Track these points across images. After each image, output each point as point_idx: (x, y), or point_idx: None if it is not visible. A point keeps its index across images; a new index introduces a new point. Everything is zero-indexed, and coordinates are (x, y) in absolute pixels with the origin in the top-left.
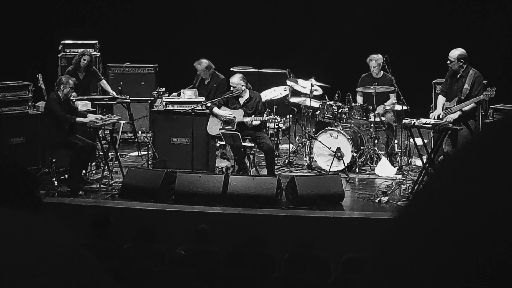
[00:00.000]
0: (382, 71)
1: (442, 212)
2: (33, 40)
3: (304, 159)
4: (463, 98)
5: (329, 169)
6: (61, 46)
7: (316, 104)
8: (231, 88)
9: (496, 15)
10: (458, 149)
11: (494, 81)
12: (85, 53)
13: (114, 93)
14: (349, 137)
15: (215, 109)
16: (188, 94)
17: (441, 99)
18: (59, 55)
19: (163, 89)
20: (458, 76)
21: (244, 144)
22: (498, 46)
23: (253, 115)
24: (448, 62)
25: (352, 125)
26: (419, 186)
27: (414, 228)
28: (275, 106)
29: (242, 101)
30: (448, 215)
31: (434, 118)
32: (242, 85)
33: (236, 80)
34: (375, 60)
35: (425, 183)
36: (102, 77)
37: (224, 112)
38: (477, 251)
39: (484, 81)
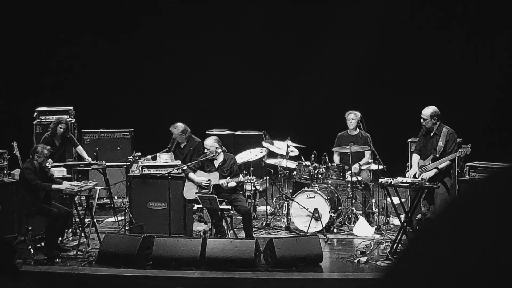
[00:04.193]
0: (358, 129)
1: (426, 272)
2: (8, 107)
3: (282, 220)
4: (437, 155)
5: (307, 230)
6: (36, 113)
7: (292, 165)
8: (205, 151)
9: (472, 73)
10: (439, 211)
11: (469, 139)
12: (61, 121)
13: (90, 159)
14: (326, 198)
15: (191, 174)
16: (164, 158)
17: (415, 157)
18: (34, 122)
19: (139, 153)
20: (431, 134)
21: (221, 206)
22: (473, 104)
23: (228, 177)
24: (422, 120)
25: (329, 185)
26: (400, 246)
27: (404, 282)
28: (251, 168)
29: (216, 163)
30: (431, 275)
31: (410, 177)
32: (217, 148)
33: (210, 142)
34: (354, 114)
35: (409, 243)
36: (78, 144)
37: (200, 178)
38: None
39: (459, 139)
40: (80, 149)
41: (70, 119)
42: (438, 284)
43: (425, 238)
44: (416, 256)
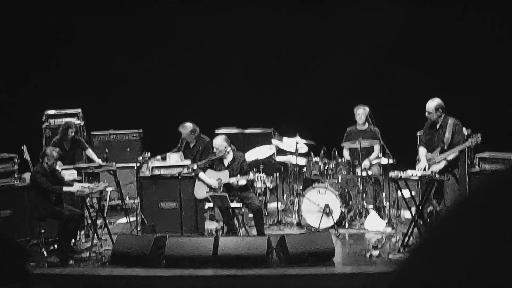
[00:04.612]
0: (367, 123)
1: (442, 267)
2: (17, 111)
3: (293, 217)
4: (445, 147)
5: (319, 226)
6: (44, 117)
7: (302, 161)
8: (214, 150)
9: (480, 66)
10: (451, 207)
11: (478, 130)
12: (70, 125)
13: (100, 161)
14: (337, 193)
15: (201, 175)
16: (174, 158)
17: (422, 151)
18: (43, 126)
19: (149, 154)
20: (437, 126)
21: (232, 205)
22: (482, 96)
23: (238, 176)
24: (427, 113)
25: (339, 180)
26: (412, 239)
27: (414, 282)
28: (261, 166)
29: (226, 162)
30: (447, 270)
31: (420, 170)
32: (225, 147)
33: (219, 141)
34: (363, 108)
35: (424, 237)
36: (88, 146)
37: (210, 180)
38: None
39: (468, 130)
40: (89, 152)
41: (78, 121)
42: (450, 281)
43: (437, 234)
44: (428, 252)
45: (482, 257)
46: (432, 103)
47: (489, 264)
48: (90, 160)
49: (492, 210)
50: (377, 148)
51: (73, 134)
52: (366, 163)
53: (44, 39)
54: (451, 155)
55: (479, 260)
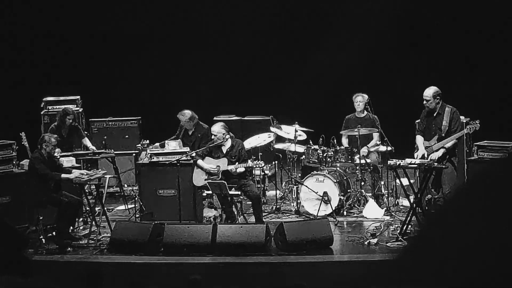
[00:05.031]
0: (365, 111)
1: (441, 255)
2: (15, 98)
3: (292, 204)
4: (443, 135)
5: (317, 214)
6: (43, 103)
7: (300, 149)
8: (213, 137)
9: (478, 52)
10: (454, 193)
11: (477, 118)
12: (68, 112)
13: (94, 148)
14: (335, 181)
15: (200, 162)
16: (172, 145)
17: (420, 139)
18: (42, 112)
19: (147, 141)
20: (435, 114)
21: (230, 192)
22: (482, 83)
23: (236, 163)
24: (424, 101)
25: (338, 168)
26: (410, 227)
27: (415, 269)
28: (260, 153)
29: (224, 149)
30: (445, 258)
31: (418, 158)
32: (224, 134)
33: (217, 128)
34: (362, 96)
35: (423, 226)
36: (85, 133)
37: (208, 165)
38: None
39: (467, 118)
40: (86, 140)
41: (77, 108)
42: (449, 268)
43: (436, 222)
44: (427, 241)
45: (481, 245)
46: (430, 91)
47: (488, 251)
48: (87, 148)
49: (491, 199)
50: (375, 136)
51: (71, 121)
52: (364, 150)
53: (44, 27)
54: (449, 142)
55: (478, 247)
